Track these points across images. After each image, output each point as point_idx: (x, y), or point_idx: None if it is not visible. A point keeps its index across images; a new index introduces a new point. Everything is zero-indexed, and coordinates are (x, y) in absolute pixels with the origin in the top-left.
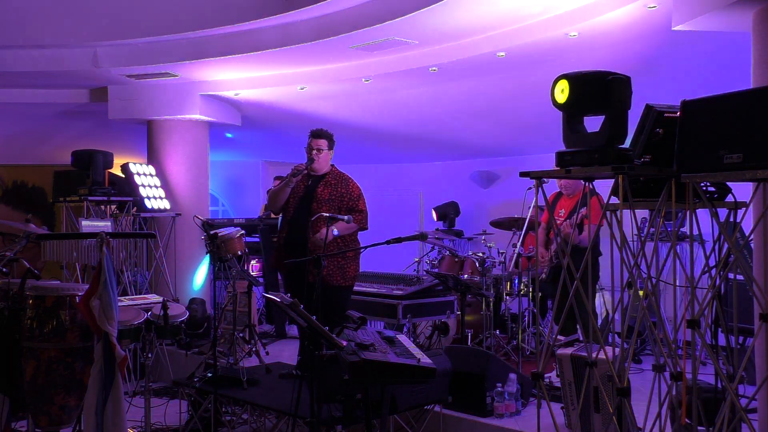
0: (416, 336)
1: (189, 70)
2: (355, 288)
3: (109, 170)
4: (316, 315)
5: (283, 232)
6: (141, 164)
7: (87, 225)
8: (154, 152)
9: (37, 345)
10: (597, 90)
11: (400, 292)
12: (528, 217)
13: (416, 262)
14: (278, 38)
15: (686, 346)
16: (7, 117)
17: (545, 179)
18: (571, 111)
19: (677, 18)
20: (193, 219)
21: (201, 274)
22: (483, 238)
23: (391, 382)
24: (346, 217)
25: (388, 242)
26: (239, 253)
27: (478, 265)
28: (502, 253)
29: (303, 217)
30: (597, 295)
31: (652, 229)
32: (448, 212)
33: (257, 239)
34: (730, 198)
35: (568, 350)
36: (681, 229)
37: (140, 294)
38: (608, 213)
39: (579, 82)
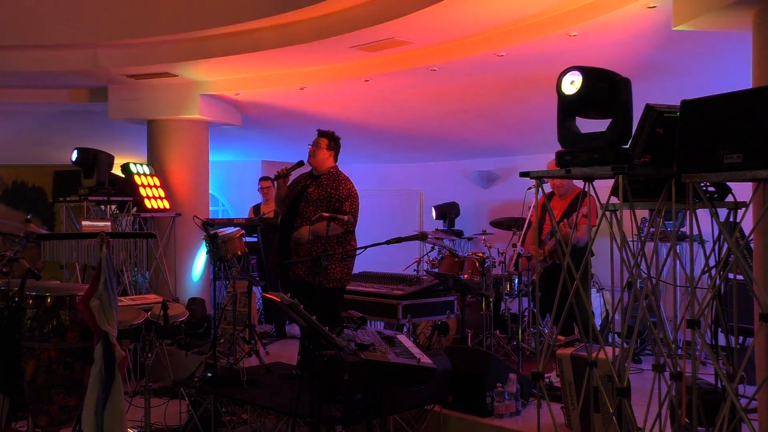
0: (416, 336)
1: (189, 70)
2: (355, 288)
3: (110, 170)
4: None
5: (278, 232)
6: (141, 164)
7: (87, 225)
8: (154, 152)
9: (37, 345)
10: (606, 88)
11: (400, 292)
12: (528, 217)
13: (416, 262)
14: (278, 38)
15: (686, 346)
16: (7, 117)
17: (545, 179)
18: (576, 105)
19: (677, 18)
20: (193, 219)
21: (199, 265)
22: (483, 238)
23: (391, 382)
24: (346, 217)
25: (388, 242)
26: (239, 253)
27: (478, 265)
28: (502, 253)
29: (291, 217)
30: (597, 295)
31: (652, 229)
32: (448, 212)
33: (256, 239)
34: (730, 198)
35: (568, 350)
36: (681, 229)
37: (140, 294)
38: (608, 213)
39: (592, 76)
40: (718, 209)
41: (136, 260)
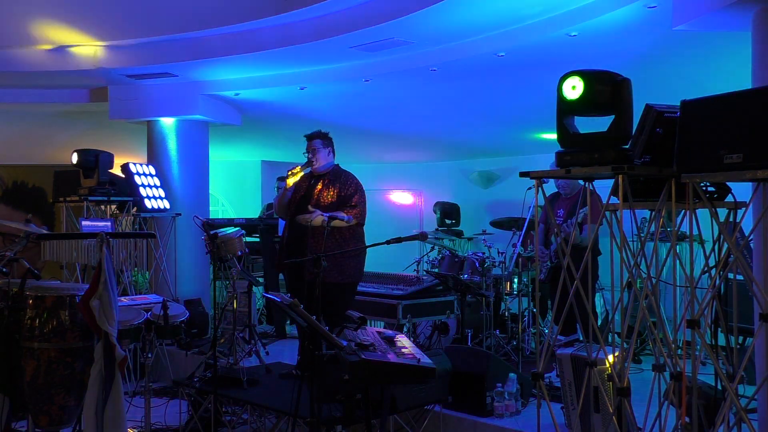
0: (416, 336)
1: (189, 70)
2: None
3: (110, 170)
4: (316, 314)
5: (285, 233)
6: (141, 164)
7: (87, 225)
8: (154, 152)
9: (37, 345)
10: (608, 90)
11: (400, 292)
12: (528, 217)
13: (416, 262)
14: (278, 38)
15: (686, 346)
16: (8, 117)
17: (545, 179)
18: (581, 109)
19: (677, 18)
20: (193, 219)
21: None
22: (483, 238)
23: (391, 382)
24: (346, 217)
25: (388, 242)
26: (239, 253)
27: (478, 265)
28: (502, 253)
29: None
30: (597, 294)
31: (652, 229)
32: (449, 211)
33: (257, 239)
34: (730, 198)
35: (568, 350)
36: (680, 229)
37: (140, 294)
38: (608, 213)
39: (592, 79)
40: (718, 209)
41: (136, 260)
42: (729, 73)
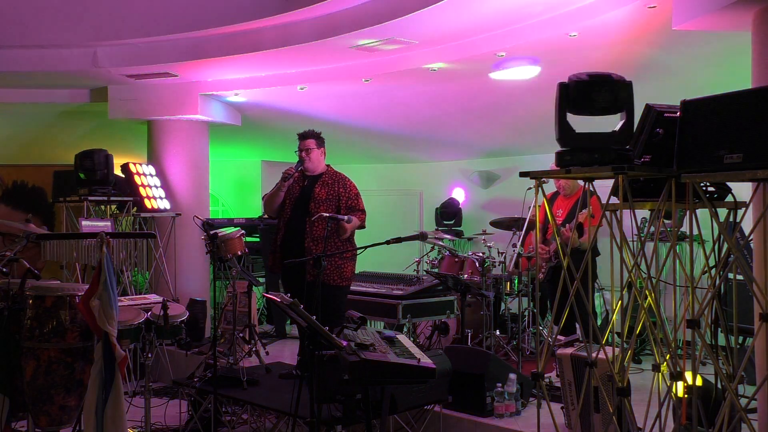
0: (416, 336)
1: (189, 70)
2: (355, 288)
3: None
4: (315, 315)
5: (279, 234)
6: (141, 164)
7: (87, 225)
8: (154, 152)
9: (37, 345)
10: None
11: (400, 292)
12: (528, 217)
13: (416, 262)
14: (278, 38)
15: (686, 346)
16: (7, 117)
17: (545, 179)
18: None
19: (677, 18)
20: (193, 219)
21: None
22: (483, 238)
23: (391, 382)
24: (345, 217)
25: (387, 242)
26: (239, 253)
27: (478, 265)
28: (502, 254)
29: (300, 217)
30: (597, 294)
31: (652, 229)
32: (450, 210)
33: (257, 239)
34: (730, 198)
35: (568, 350)
36: (680, 229)
37: (140, 294)
38: (608, 213)
39: (610, 86)
40: (717, 209)
41: (136, 260)
42: (729, 73)
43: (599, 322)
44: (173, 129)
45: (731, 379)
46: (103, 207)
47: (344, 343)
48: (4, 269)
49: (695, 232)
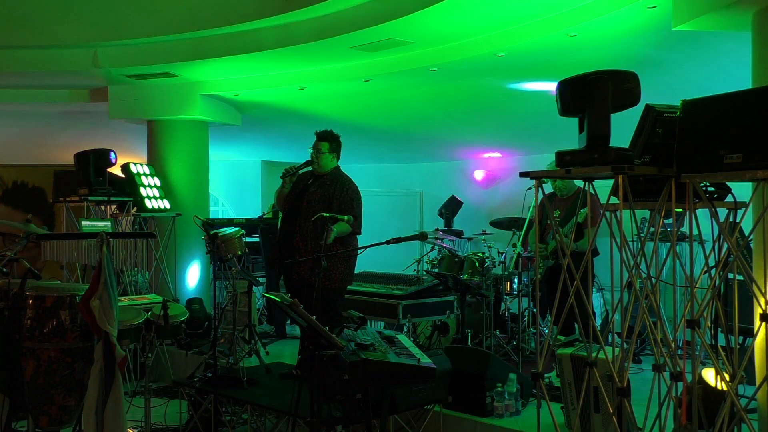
0: (416, 336)
1: (189, 70)
2: (355, 288)
3: (109, 170)
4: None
5: (280, 230)
6: (141, 164)
7: (87, 225)
8: (154, 152)
9: (37, 345)
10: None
11: (400, 292)
12: (528, 217)
13: (416, 262)
14: (278, 38)
15: (686, 346)
16: (8, 117)
17: (545, 179)
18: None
19: (677, 18)
20: (193, 219)
21: (194, 275)
22: (483, 238)
23: (391, 382)
24: (346, 217)
25: (387, 242)
26: (239, 253)
27: (477, 265)
28: (502, 253)
29: (293, 215)
30: (597, 295)
31: (651, 229)
32: (451, 208)
33: (257, 239)
34: (730, 198)
35: (568, 350)
36: (680, 229)
37: (140, 294)
38: (608, 213)
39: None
40: (717, 209)
41: (137, 260)
42: (729, 73)
43: (599, 322)
44: (173, 129)
45: (731, 379)
46: (103, 207)
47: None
48: (5, 269)
49: (695, 232)
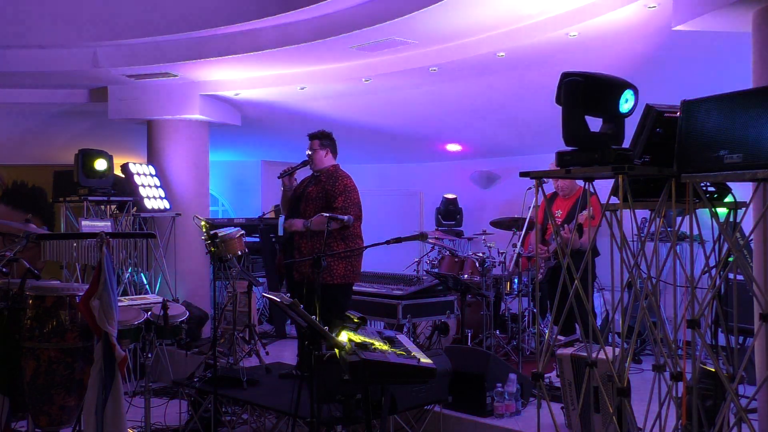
0: (416, 336)
1: (189, 70)
2: (356, 288)
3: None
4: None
5: (284, 233)
6: (141, 164)
7: (87, 225)
8: (154, 152)
9: (37, 345)
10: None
11: (400, 292)
12: (528, 217)
13: (416, 262)
14: (278, 38)
15: (686, 346)
16: (7, 117)
17: (545, 179)
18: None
19: (677, 18)
20: (193, 219)
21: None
22: (483, 238)
23: (391, 382)
24: (346, 218)
25: (387, 242)
26: (239, 253)
27: (478, 265)
28: (503, 253)
29: (292, 215)
30: (597, 295)
31: (652, 229)
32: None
33: (257, 239)
34: (730, 198)
35: (568, 350)
36: (681, 230)
37: (140, 294)
38: (608, 213)
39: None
40: (718, 209)
41: (136, 260)
42: (729, 73)
43: (599, 322)
44: (173, 129)
45: (731, 379)
46: (102, 207)
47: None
48: (4, 269)
49: (695, 232)
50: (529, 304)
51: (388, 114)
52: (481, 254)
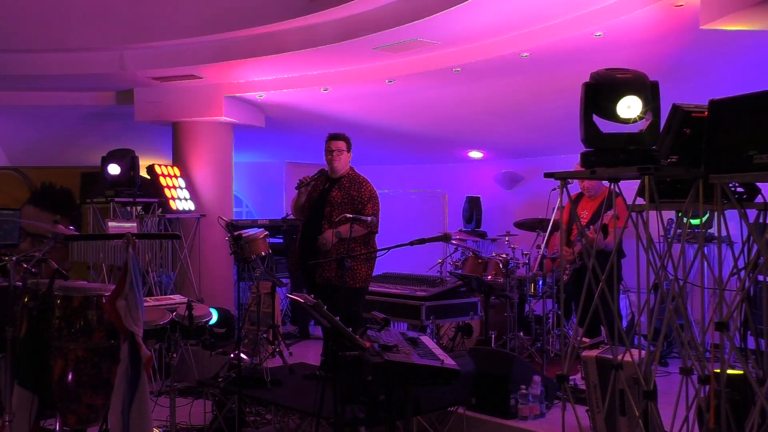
0: (439, 337)
1: (214, 72)
2: (379, 289)
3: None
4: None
5: (299, 236)
6: (166, 166)
7: (113, 226)
8: (179, 154)
9: (64, 344)
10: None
11: (423, 294)
12: (552, 218)
13: (439, 263)
14: (302, 40)
15: (714, 349)
16: (36, 120)
17: (569, 180)
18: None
19: (705, 16)
20: (218, 220)
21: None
22: (507, 239)
23: (414, 384)
24: (369, 218)
25: (411, 243)
26: (263, 253)
27: (501, 267)
28: (526, 255)
29: (316, 220)
30: (623, 297)
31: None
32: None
33: (281, 240)
34: (759, 199)
35: (594, 352)
36: (708, 231)
37: (165, 294)
38: (634, 214)
39: (644, 93)
40: (747, 210)
41: (161, 261)
42: (758, 72)
43: (625, 324)
44: (198, 131)
45: (761, 383)
46: (128, 208)
47: (367, 345)
48: (33, 269)
49: (723, 233)
50: (554, 305)
51: (412, 115)
52: (504, 255)
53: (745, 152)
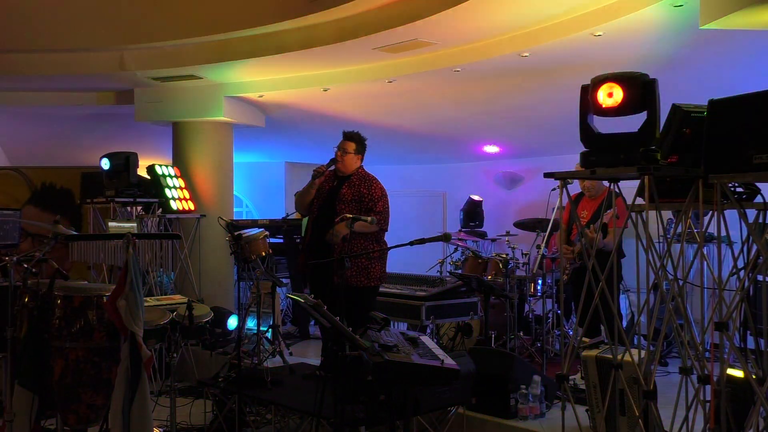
0: (439, 337)
1: (213, 72)
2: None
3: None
4: (339, 316)
5: (308, 234)
6: (166, 166)
7: (113, 226)
8: (179, 154)
9: (65, 344)
10: (642, 91)
11: (423, 294)
12: (552, 218)
13: (439, 263)
14: (302, 40)
15: (714, 349)
16: (36, 120)
17: (569, 180)
18: (618, 113)
19: (705, 16)
20: (218, 220)
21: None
22: (507, 239)
23: (414, 384)
24: (369, 218)
25: (411, 243)
26: (263, 254)
27: (501, 267)
28: (526, 255)
29: (327, 218)
30: (622, 296)
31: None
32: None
33: (281, 240)
34: (759, 199)
35: (593, 352)
36: (708, 231)
37: (165, 295)
38: (634, 214)
39: (629, 83)
40: (746, 210)
41: (162, 261)
42: (758, 71)
43: (624, 324)
44: (198, 131)
45: (761, 383)
46: (129, 208)
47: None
48: (34, 270)
49: (723, 233)
50: (553, 305)
51: (412, 115)
52: (504, 255)
53: (744, 152)
